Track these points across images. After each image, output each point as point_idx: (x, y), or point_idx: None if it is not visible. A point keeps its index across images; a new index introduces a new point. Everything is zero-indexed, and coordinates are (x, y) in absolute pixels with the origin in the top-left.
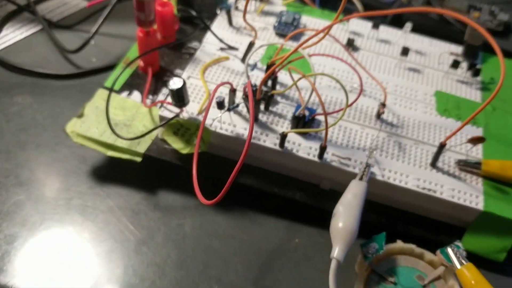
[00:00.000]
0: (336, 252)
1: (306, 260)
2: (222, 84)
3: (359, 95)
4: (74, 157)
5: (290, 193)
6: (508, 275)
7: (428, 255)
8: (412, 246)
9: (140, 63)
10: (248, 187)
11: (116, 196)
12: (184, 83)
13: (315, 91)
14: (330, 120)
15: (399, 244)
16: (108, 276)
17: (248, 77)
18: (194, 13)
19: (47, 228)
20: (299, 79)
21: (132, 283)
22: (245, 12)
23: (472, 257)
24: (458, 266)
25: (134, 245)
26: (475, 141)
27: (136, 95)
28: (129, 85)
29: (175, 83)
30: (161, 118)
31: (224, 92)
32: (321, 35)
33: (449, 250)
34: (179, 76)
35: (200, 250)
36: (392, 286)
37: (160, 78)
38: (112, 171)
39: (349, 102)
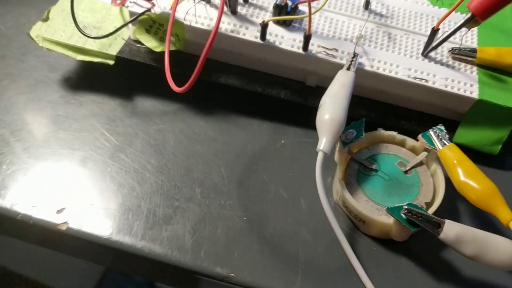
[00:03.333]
0: (323, 144)
1: (293, 160)
2: None
3: None
4: (43, 67)
5: (274, 92)
6: (503, 168)
7: (410, 141)
8: (393, 133)
9: None
10: (230, 88)
11: (89, 103)
12: None
13: None
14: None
15: (380, 131)
16: (82, 183)
17: None
18: None
19: (18, 140)
20: None
21: (109, 189)
22: None
23: (466, 152)
24: (440, 147)
25: (110, 153)
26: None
27: None
28: None
29: None
30: (131, 14)
31: None
32: None
33: (431, 132)
34: None
35: (182, 154)
36: (372, 173)
37: None
38: (84, 78)
39: None
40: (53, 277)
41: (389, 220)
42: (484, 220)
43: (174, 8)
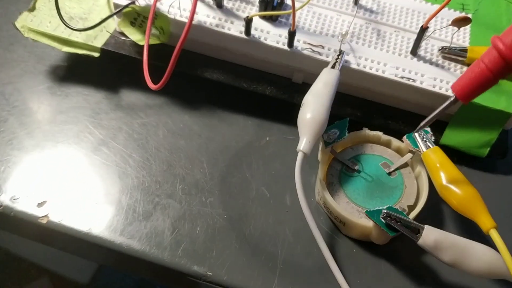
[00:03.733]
0: (303, 144)
1: (277, 158)
2: None
3: None
4: (30, 57)
5: (260, 88)
6: (491, 171)
7: (395, 142)
8: (379, 133)
9: None
10: (216, 83)
11: (75, 95)
12: None
13: None
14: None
15: (365, 131)
16: (65, 177)
17: None
18: None
19: (3, 131)
20: None
21: (90, 183)
22: None
23: (454, 154)
24: (424, 149)
25: (93, 146)
26: (459, 22)
27: None
28: None
29: None
30: (116, 6)
31: None
32: None
33: (416, 134)
34: None
35: (164, 149)
36: (355, 174)
37: None
38: (72, 70)
39: None
40: (55, 262)
41: (369, 223)
42: (468, 226)
43: (154, 1)
